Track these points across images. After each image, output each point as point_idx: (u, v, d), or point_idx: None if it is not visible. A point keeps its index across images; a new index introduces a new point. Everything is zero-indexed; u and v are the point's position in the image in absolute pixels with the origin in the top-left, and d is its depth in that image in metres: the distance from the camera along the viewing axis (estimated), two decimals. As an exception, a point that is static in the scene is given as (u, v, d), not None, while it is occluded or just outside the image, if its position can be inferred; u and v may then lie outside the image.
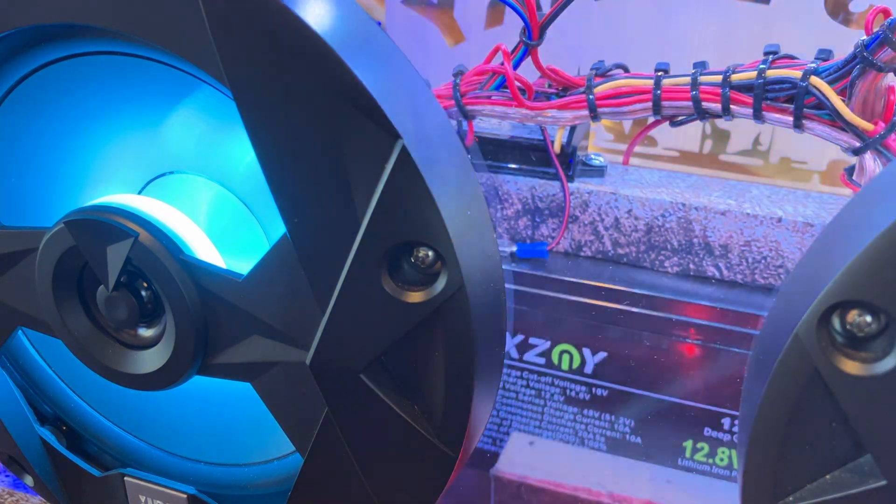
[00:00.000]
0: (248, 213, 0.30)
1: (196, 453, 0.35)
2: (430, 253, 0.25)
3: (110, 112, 0.31)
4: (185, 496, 0.34)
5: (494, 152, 0.55)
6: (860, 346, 0.21)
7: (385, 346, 0.26)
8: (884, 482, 0.21)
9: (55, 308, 0.31)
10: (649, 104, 0.41)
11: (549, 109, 0.43)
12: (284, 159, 0.25)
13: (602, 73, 0.43)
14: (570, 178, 0.53)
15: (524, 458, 0.48)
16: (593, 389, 0.49)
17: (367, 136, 0.24)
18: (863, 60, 0.35)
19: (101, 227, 0.28)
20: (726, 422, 0.47)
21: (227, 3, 0.24)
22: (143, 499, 0.35)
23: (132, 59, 0.29)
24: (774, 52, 0.39)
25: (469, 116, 0.45)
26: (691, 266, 0.52)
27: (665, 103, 0.40)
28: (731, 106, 0.39)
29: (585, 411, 0.50)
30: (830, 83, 0.36)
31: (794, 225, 0.49)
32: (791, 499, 0.23)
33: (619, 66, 0.43)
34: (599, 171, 0.55)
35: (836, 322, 0.21)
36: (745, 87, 0.38)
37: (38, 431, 0.36)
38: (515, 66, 0.43)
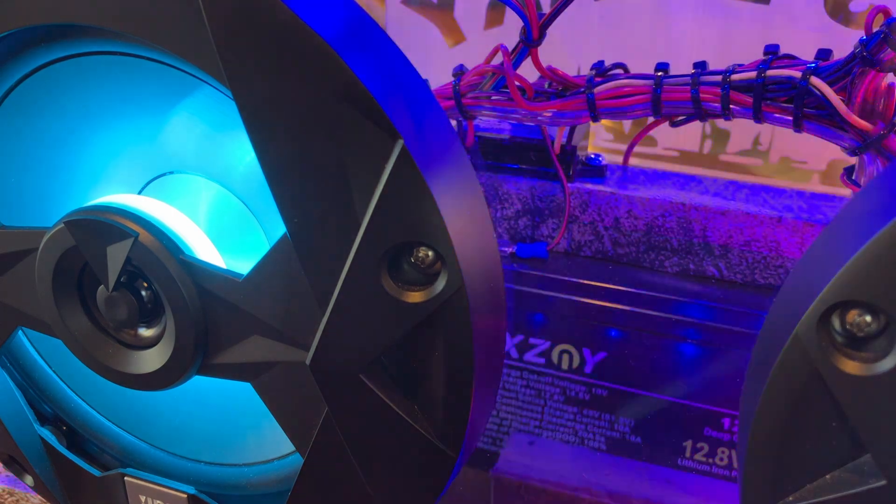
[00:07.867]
0: (248, 213, 0.30)
1: (196, 453, 0.35)
2: (430, 253, 0.24)
3: (110, 112, 0.31)
4: (185, 496, 0.34)
5: (494, 152, 0.55)
6: (860, 346, 0.21)
7: (385, 346, 0.26)
8: (884, 482, 0.21)
9: (55, 308, 0.31)
10: (649, 104, 0.41)
11: (549, 109, 0.43)
12: (284, 159, 0.25)
13: (602, 73, 0.43)
14: (570, 178, 0.53)
15: (524, 458, 0.48)
16: (593, 389, 0.49)
17: (367, 136, 0.24)
18: (863, 60, 0.35)
19: (101, 227, 0.28)
20: (726, 422, 0.47)
21: (226, 3, 0.24)
22: (143, 499, 0.35)
23: (132, 59, 0.29)
24: (774, 52, 0.39)
25: (469, 116, 0.45)
26: (691, 266, 0.52)
27: (665, 103, 0.40)
28: (731, 106, 0.39)
29: (585, 411, 0.49)
30: (830, 83, 0.36)
31: (794, 225, 0.49)
32: (791, 499, 0.23)
33: (619, 65, 0.43)
34: (599, 171, 0.55)
35: (835, 322, 0.21)
36: (745, 87, 0.38)
37: (38, 431, 0.36)
38: (515, 66, 0.43)
